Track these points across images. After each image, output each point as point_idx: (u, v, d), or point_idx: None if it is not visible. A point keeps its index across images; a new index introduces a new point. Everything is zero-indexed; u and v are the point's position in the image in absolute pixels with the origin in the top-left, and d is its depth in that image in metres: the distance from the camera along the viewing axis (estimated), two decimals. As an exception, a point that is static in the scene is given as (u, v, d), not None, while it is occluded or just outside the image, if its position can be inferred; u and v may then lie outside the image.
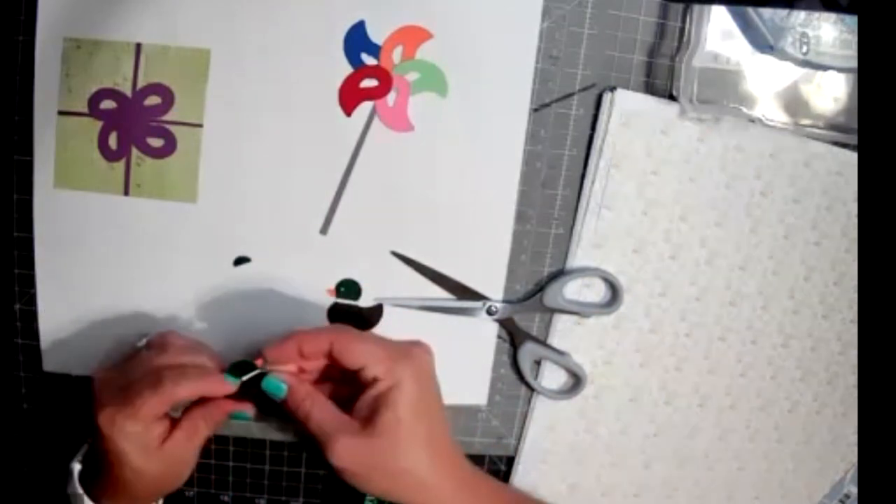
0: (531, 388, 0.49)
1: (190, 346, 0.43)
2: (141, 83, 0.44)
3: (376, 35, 0.44)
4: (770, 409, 0.53)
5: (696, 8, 0.44)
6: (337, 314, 0.47)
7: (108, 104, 0.44)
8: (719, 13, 0.44)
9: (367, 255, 0.46)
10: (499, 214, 0.47)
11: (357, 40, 0.44)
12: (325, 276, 0.46)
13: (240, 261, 0.46)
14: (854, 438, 0.55)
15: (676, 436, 0.52)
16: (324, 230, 0.46)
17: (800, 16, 0.45)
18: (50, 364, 0.47)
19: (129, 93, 0.44)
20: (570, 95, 0.46)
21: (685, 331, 0.50)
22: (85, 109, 0.44)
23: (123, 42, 0.44)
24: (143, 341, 0.43)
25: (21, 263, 0.46)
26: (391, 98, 0.45)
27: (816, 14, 0.45)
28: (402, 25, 0.44)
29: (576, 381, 0.49)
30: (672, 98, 0.46)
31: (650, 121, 0.46)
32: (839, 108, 0.47)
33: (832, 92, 0.46)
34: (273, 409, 0.48)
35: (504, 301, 0.48)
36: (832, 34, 0.46)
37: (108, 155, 0.44)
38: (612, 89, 0.45)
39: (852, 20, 0.45)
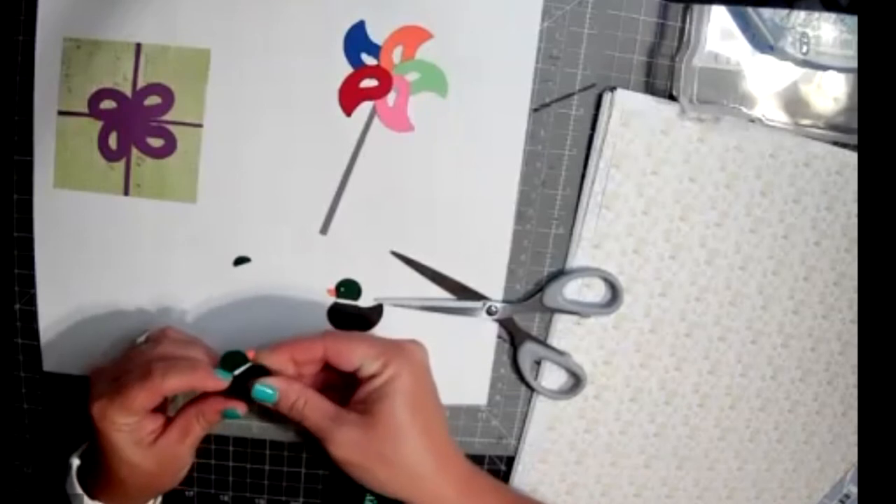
0: (531, 388, 0.49)
1: (185, 340, 0.43)
2: (141, 83, 0.44)
3: (376, 35, 0.44)
4: (770, 409, 0.53)
5: (696, 8, 0.44)
6: (337, 314, 0.47)
7: (108, 104, 0.44)
8: (719, 13, 0.44)
9: (367, 255, 0.46)
10: (499, 214, 0.47)
11: (357, 40, 0.44)
12: (325, 276, 0.46)
13: (240, 261, 0.46)
14: (854, 438, 0.55)
15: (676, 436, 0.52)
16: (324, 230, 0.46)
17: (800, 16, 0.45)
18: (50, 364, 0.47)
19: (129, 93, 0.44)
20: (570, 95, 0.46)
21: (685, 331, 0.50)
22: (85, 109, 0.44)
23: (123, 42, 0.44)
24: (143, 336, 0.43)
25: (21, 263, 0.46)
26: (391, 98, 0.45)
27: (816, 14, 0.45)
28: (402, 25, 0.44)
29: (576, 381, 0.49)
30: (672, 98, 0.46)
31: (650, 121, 0.46)
32: (839, 108, 0.47)
33: (832, 92, 0.46)
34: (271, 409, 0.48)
35: (504, 301, 0.48)
36: (832, 34, 0.46)
37: (108, 155, 0.44)
38: (612, 89, 0.45)
39: (852, 20, 0.45)
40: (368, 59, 0.44)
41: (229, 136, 0.45)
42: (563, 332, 0.48)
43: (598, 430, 0.51)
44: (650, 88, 0.46)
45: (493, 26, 0.44)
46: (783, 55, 0.45)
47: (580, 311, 0.48)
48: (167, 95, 0.44)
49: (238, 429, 0.49)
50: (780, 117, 0.46)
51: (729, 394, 0.52)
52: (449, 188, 0.46)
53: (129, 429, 0.39)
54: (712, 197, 0.48)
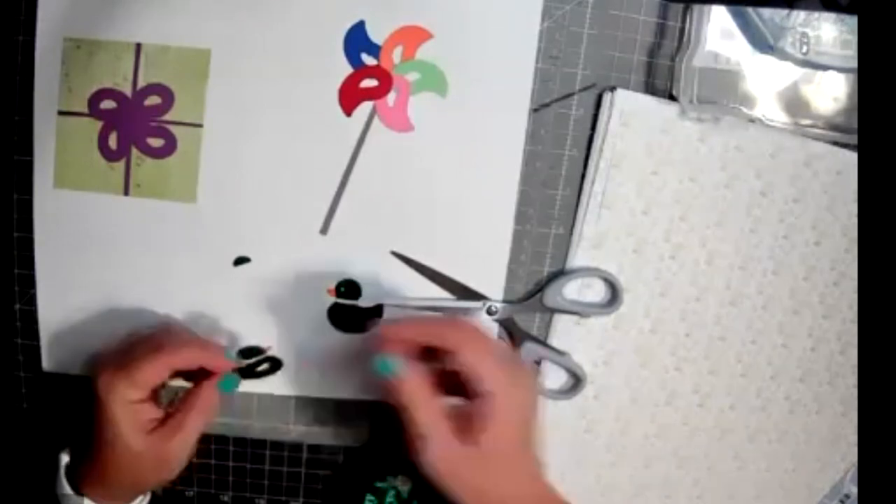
0: (531, 388, 0.49)
1: (193, 334, 0.44)
2: (141, 83, 0.44)
3: (376, 35, 0.44)
4: (770, 409, 0.53)
5: (696, 8, 0.44)
6: (337, 314, 0.47)
7: (108, 104, 0.44)
8: (719, 13, 0.44)
9: (367, 255, 0.46)
10: (499, 214, 0.47)
11: (357, 40, 0.44)
12: (325, 276, 0.46)
13: (240, 261, 0.46)
14: (854, 438, 0.55)
15: (676, 436, 0.52)
16: (324, 230, 0.46)
17: (800, 16, 0.45)
18: (50, 364, 0.47)
19: (129, 93, 0.44)
20: (570, 95, 0.46)
21: (685, 331, 0.50)
22: (85, 109, 0.44)
23: (123, 42, 0.44)
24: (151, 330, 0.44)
25: (21, 263, 0.46)
26: (391, 98, 0.45)
27: (816, 14, 0.45)
28: (402, 25, 0.44)
29: (576, 381, 0.49)
30: (672, 98, 0.46)
31: (650, 121, 0.46)
32: (839, 108, 0.47)
33: (832, 92, 0.46)
34: (272, 409, 0.49)
35: (504, 301, 0.48)
36: (832, 34, 0.46)
37: (108, 155, 0.44)
38: (612, 89, 0.45)
39: (852, 20, 0.45)
40: (368, 59, 0.44)
41: (229, 136, 0.45)
42: (563, 332, 0.48)
43: (598, 430, 0.51)
44: (650, 88, 0.46)
45: (493, 26, 0.44)
46: (783, 55, 0.45)
47: (580, 311, 0.48)
48: (167, 95, 0.44)
49: (238, 429, 0.49)
50: (780, 117, 0.46)
51: (729, 394, 0.52)
52: (449, 188, 0.46)
53: (132, 409, 0.39)
54: (712, 197, 0.48)
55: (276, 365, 0.46)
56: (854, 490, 0.56)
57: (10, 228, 0.45)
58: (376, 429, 0.49)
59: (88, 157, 0.44)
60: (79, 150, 0.44)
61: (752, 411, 0.52)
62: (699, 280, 0.49)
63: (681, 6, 0.45)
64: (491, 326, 0.48)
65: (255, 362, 0.43)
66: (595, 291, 0.48)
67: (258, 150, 0.45)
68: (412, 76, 0.45)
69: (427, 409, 0.38)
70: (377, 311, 0.47)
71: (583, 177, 0.47)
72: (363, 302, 0.47)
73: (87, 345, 0.47)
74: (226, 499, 0.50)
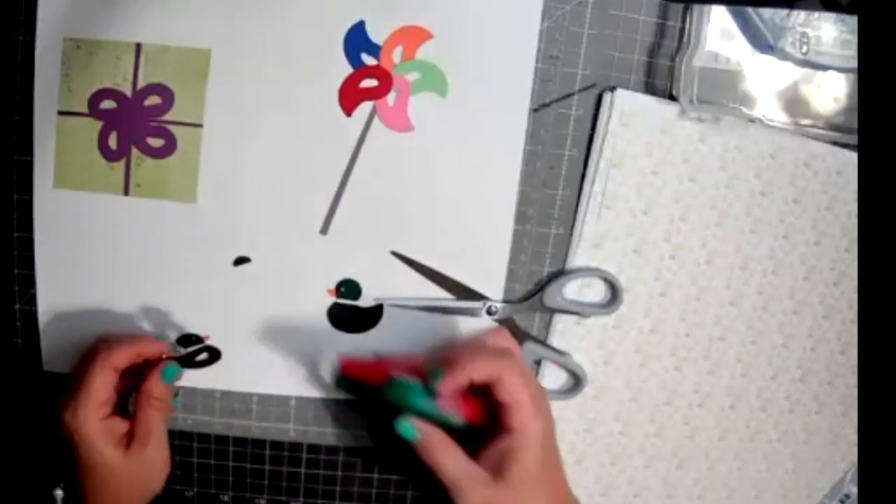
0: (531, 388, 0.49)
1: (126, 335, 0.44)
2: (141, 83, 0.44)
3: (376, 35, 0.44)
4: (770, 409, 0.53)
5: (696, 8, 0.44)
6: (337, 314, 0.47)
7: (108, 104, 0.44)
8: (719, 13, 0.44)
9: (367, 255, 0.46)
10: (499, 214, 0.47)
11: (357, 40, 0.44)
12: (325, 276, 0.46)
13: (240, 261, 0.46)
14: (854, 438, 0.55)
15: (676, 436, 0.52)
16: (324, 230, 0.46)
17: (800, 16, 0.45)
18: (50, 364, 0.47)
19: (129, 93, 0.44)
20: (570, 95, 0.46)
21: (685, 331, 0.50)
22: (85, 109, 0.44)
23: (123, 42, 0.44)
24: None
25: (21, 263, 0.46)
26: (391, 98, 0.45)
27: (816, 14, 0.45)
28: (402, 25, 0.44)
29: (576, 381, 0.49)
30: (672, 98, 0.46)
31: (650, 121, 0.46)
32: (839, 108, 0.47)
33: (832, 92, 0.46)
34: (272, 409, 0.49)
35: (504, 301, 0.48)
36: (832, 34, 0.46)
37: (108, 155, 0.44)
38: (612, 89, 0.45)
39: (852, 20, 0.45)
40: (368, 59, 0.44)
41: (229, 136, 0.45)
42: (563, 332, 0.48)
43: (598, 430, 0.51)
44: (650, 88, 0.46)
45: (493, 26, 0.44)
46: (783, 55, 0.45)
47: (580, 311, 0.48)
48: (167, 95, 0.44)
49: (238, 429, 0.49)
50: (780, 117, 0.46)
51: (729, 394, 0.52)
52: (449, 188, 0.46)
53: (103, 429, 0.40)
54: (712, 197, 0.48)
55: (214, 355, 0.46)
56: (854, 490, 0.56)
57: (10, 228, 0.45)
58: (376, 430, 0.49)
59: (88, 157, 0.44)
60: (79, 150, 0.44)
61: (752, 411, 0.52)
62: (699, 280, 0.49)
63: (681, 6, 0.45)
64: (491, 326, 0.48)
65: (194, 351, 0.44)
66: (595, 291, 0.48)
67: (258, 150, 0.45)
68: (412, 76, 0.45)
69: (453, 462, 0.39)
70: (377, 311, 0.47)
71: (583, 177, 0.47)
72: (363, 302, 0.47)
73: (87, 345, 0.46)
74: (226, 499, 0.50)
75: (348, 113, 0.45)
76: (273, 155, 0.45)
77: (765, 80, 0.46)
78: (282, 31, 0.44)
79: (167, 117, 0.44)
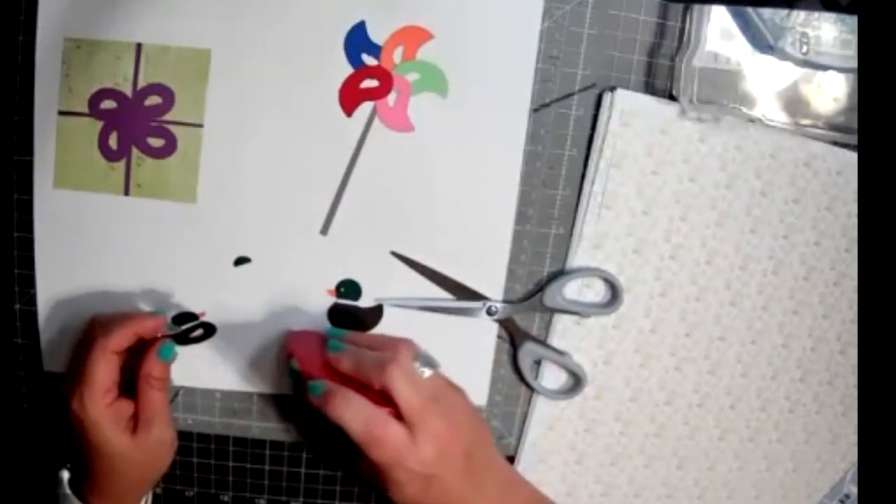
0: (531, 388, 0.49)
1: (119, 315, 0.44)
2: (141, 83, 0.44)
3: (377, 35, 0.44)
4: (770, 409, 0.53)
5: (696, 8, 0.44)
6: (337, 314, 0.47)
7: (108, 104, 0.44)
8: (719, 13, 0.44)
9: (367, 255, 0.46)
10: (499, 214, 0.47)
11: (358, 41, 0.44)
12: (325, 276, 0.46)
13: (240, 261, 0.46)
14: (854, 438, 0.55)
15: (676, 436, 0.52)
16: (324, 230, 0.46)
17: (800, 16, 0.45)
18: (50, 364, 0.47)
19: (129, 93, 0.44)
20: (570, 95, 0.46)
21: (685, 331, 0.50)
22: (85, 109, 0.44)
23: (123, 42, 0.44)
24: None
25: (21, 263, 0.46)
26: (392, 98, 0.45)
27: (816, 14, 0.45)
28: (402, 26, 0.44)
29: (576, 381, 0.49)
30: (672, 98, 0.46)
31: (650, 121, 0.46)
32: (839, 108, 0.47)
33: (832, 92, 0.46)
34: (272, 409, 0.49)
35: (504, 301, 0.48)
36: (832, 34, 0.46)
37: (109, 155, 0.44)
38: (612, 89, 0.45)
39: (852, 20, 0.45)
40: (369, 60, 0.44)
41: (229, 136, 0.45)
42: (563, 332, 0.48)
43: (598, 430, 0.51)
44: (650, 88, 0.46)
45: (494, 26, 0.44)
46: (783, 55, 0.45)
47: (580, 311, 0.48)
48: (167, 95, 0.44)
49: (238, 429, 0.49)
50: (780, 117, 0.46)
51: (729, 394, 0.52)
52: (449, 188, 0.46)
53: (109, 414, 0.40)
54: (712, 197, 0.48)
55: (209, 330, 0.46)
56: (854, 490, 0.56)
57: (10, 228, 0.45)
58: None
59: (88, 157, 0.44)
60: (79, 150, 0.44)
61: (752, 411, 0.52)
62: (699, 280, 0.49)
63: (681, 6, 0.45)
64: (491, 326, 0.48)
65: (189, 328, 0.44)
66: (595, 291, 0.48)
67: (258, 150, 0.45)
68: (412, 76, 0.45)
69: (359, 411, 0.39)
70: (377, 311, 0.47)
71: (583, 177, 0.47)
72: (363, 302, 0.47)
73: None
74: (226, 499, 0.50)
75: (349, 113, 0.45)
76: (273, 155, 0.45)
77: (765, 80, 0.46)
78: (282, 31, 0.44)
79: (167, 117, 0.44)
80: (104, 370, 0.40)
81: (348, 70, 0.44)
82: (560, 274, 0.48)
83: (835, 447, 0.55)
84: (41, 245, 0.46)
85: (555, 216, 0.47)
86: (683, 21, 0.45)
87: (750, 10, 0.44)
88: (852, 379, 0.53)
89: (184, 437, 0.48)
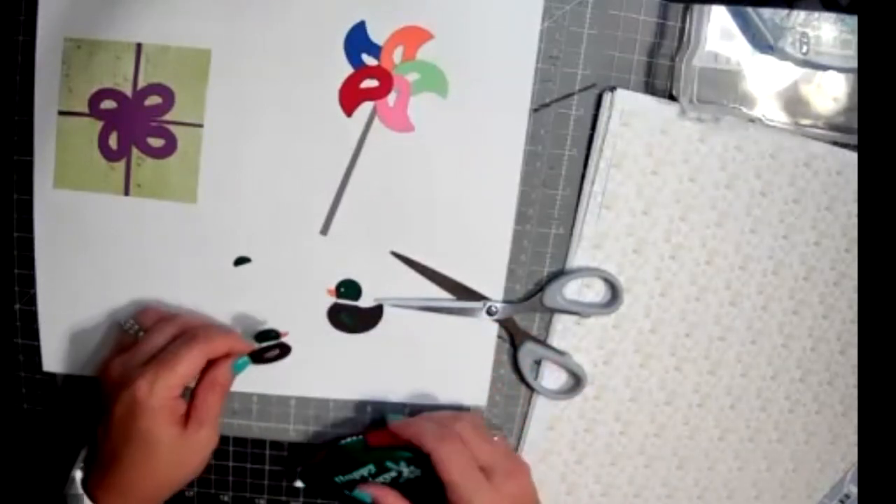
0: (531, 388, 0.49)
1: (191, 317, 0.45)
2: (141, 83, 0.44)
3: (377, 35, 0.44)
4: (770, 409, 0.53)
5: (696, 8, 0.44)
6: (337, 314, 0.47)
7: (108, 104, 0.44)
8: (719, 13, 0.44)
9: (367, 255, 0.46)
10: (499, 214, 0.47)
11: (358, 41, 0.44)
12: (325, 276, 0.47)
13: (240, 261, 0.46)
14: (854, 438, 0.55)
15: (676, 436, 0.52)
16: (324, 230, 0.46)
17: (800, 16, 0.45)
18: (50, 364, 0.47)
19: (129, 93, 0.44)
20: (570, 95, 0.46)
21: (685, 331, 0.50)
22: (85, 109, 0.44)
23: (123, 42, 0.44)
24: (131, 322, 0.44)
25: (21, 263, 0.46)
26: (392, 98, 0.45)
27: (816, 14, 0.45)
28: (402, 26, 0.44)
29: (576, 381, 0.49)
30: (672, 98, 0.46)
31: (650, 121, 0.46)
32: (839, 108, 0.47)
33: (832, 92, 0.46)
34: (272, 409, 0.49)
35: (504, 301, 0.48)
36: (832, 34, 0.46)
37: (109, 155, 0.44)
38: (612, 89, 0.45)
39: (852, 20, 0.45)
40: (369, 60, 0.44)
41: (229, 136, 0.45)
42: (563, 332, 0.48)
43: (598, 430, 0.51)
44: (650, 88, 0.46)
45: (494, 26, 0.44)
46: (783, 55, 0.45)
47: (580, 311, 0.48)
48: (167, 95, 0.44)
49: (238, 429, 0.49)
50: (780, 117, 0.46)
51: (729, 394, 0.52)
52: (449, 188, 0.46)
53: (171, 407, 0.40)
54: (712, 197, 0.48)
55: (284, 351, 0.46)
56: (854, 490, 0.56)
57: (10, 228, 0.45)
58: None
59: (89, 157, 0.44)
60: (79, 150, 0.44)
61: (752, 411, 0.52)
62: (699, 280, 0.49)
63: (681, 6, 0.45)
64: (491, 326, 0.48)
65: (266, 347, 0.45)
66: (595, 291, 0.48)
67: (258, 150, 0.45)
68: (412, 76, 0.45)
69: None
70: (377, 311, 0.47)
71: (583, 177, 0.47)
72: (363, 302, 0.47)
73: (87, 345, 0.47)
74: (226, 499, 0.50)
75: (349, 113, 0.45)
76: (273, 155, 0.45)
77: (765, 80, 0.46)
78: (282, 32, 0.44)
79: (167, 117, 0.44)
80: (190, 367, 0.41)
81: (348, 70, 0.44)
82: (560, 274, 0.48)
83: (835, 447, 0.55)
84: (41, 245, 0.46)
85: (555, 216, 0.47)
86: (683, 21, 0.45)
87: (750, 10, 0.44)
88: (852, 379, 0.53)
89: (184, 437, 0.48)
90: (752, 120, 0.46)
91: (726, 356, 0.51)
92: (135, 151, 0.44)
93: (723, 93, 0.45)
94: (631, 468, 0.52)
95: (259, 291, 0.46)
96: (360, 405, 0.49)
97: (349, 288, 0.47)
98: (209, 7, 0.43)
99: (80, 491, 0.40)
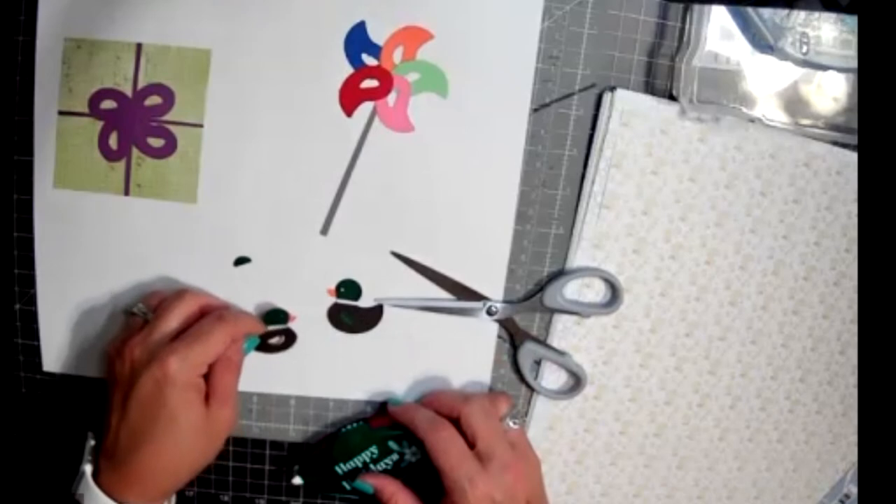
0: (531, 388, 0.49)
1: (200, 294, 0.45)
2: (141, 83, 0.44)
3: (377, 35, 0.44)
4: (770, 409, 0.53)
5: (696, 8, 0.44)
6: (337, 314, 0.47)
7: (108, 104, 0.44)
8: (719, 13, 0.44)
9: (367, 255, 0.46)
10: (499, 214, 0.47)
11: (358, 41, 0.44)
12: (325, 276, 0.47)
13: (240, 261, 0.46)
14: (854, 438, 0.55)
15: (676, 436, 0.52)
16: (324, 230, 0.46)
17: (800, 16, 0.45)
18: (50, 364, 0.47)
19: (129, 93, 0.44)
20: (570, 95, 0.46)
21: (685, 331, 0.50)
22: (85, 109, 0.44)
23: (123, 42, 0.44)
24: (140, 306, 0.44)
25: (21, 263, 0.46)
26: (392, 98, 0.45)
27: (816, 14, 0.45)
28: (402, 26, 0.44)
29: (576, 381, 0.49)
30: (672, 98, 0.46)
31: (650, 121, 0.46)
32: (839, 108, 0.47)
33: (832, 92, 0.46)
34: (272, 409, 0.49)
35: (504, 301, 0.48)
36: (832, 34, 0.46)
37: (109, 155, 0.45)
38: (612, 89, 0.45)
39: (852, 20, 0.45)
40: (369, 60, 0.44)
41: (229, 136, 0.45)
42: (563, 332, 0.48)
43: (598, 430, 0.51)
44: (650, 88, 0.46)
45: (494, 26, 0.44)
46: (783, 55, 0.45)
47: (580, 311, 0.48)
48: (168, 95, 0.44)
49: (238, 429, 0.49)
50: (780, 117, 0.46)
51: (729, 394, 0.52)
52: (449, 188, 0.46)
53: (196, 385, 0.41)
54: (712, 197, 0.48)
55: (290, 339, 0.47)
56: (854, 490, 0.56)
57: (10, 228, 0.45)
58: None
59: (89, 157, 0.44)
60: (79, 150, 0.44)
61: (752, 411, 0.52)
62: (699, 280, 0.49)
63: (681, 6, 0.45)
64: (491, 326, 0.48)
65: (272, 332, 0.46)
66: (595, 291, 0.48)
67: (258, 150, 0.45)
68: (412, 76, 0.45)
69: None
70: (377, 311, 0.47)
71: (583, 177, 0.47)
72: (363, 302, 0.47)
73: (87, 345, 0.47)
74: (226, 499, 0.50)
75: (349, 113, 0.45)
76: (273, 155, 0.45)
77: (765, 80, 0.46)
78: (282, 32, 0.44)
79: (167, 117, 0.44)
80: (218, 345, 0.41)
81: (348, 70, 0.44)
82: (560, 274, 0.48)
83: (835, 447, 0.55)
84: (41, 245, 0.46)
85: (555, 216, 0.47)
86: (683, 21, 0.45)
87: (750, 10, 0.44)
88: (852, 379, 0.53)
89: (184, 437, 0.48)
90: (752, 120, 0.46)
91: (726, 356, 0.51)
92: (135, 151, 0.44)
93: (723, 93, 0.45)
94: (631, 468, 0.52)
95: (259, 291, 0.46)
96: (360, 405, 0.49)
97: (349, 288, 0.47)
98: (209, 7, 0.43)
99: (93, 484, 0.40)
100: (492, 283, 0.47)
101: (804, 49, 0.45)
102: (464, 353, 0.48)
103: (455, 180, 0.46)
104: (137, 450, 0.40)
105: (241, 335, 0.43)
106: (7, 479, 0.49)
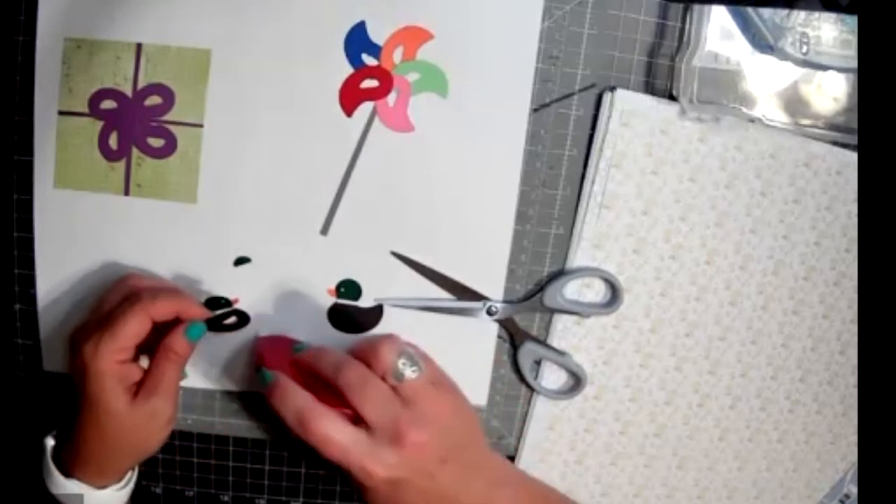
0: (531, 388, 0.49)
1: (156, 279, 0.45)
2: (141, 83, 0.44)
3: (377, 35, 0.44)
4: (770, 409, 0.53)
5: (696, 8, 0.44)
6: (337, 314, 0.47)
7: (108, 104, 0.44)
8: (719, 13, 0.44)
9: (367, 255, 0.46)
10: (499, 214, 0.47)
11: (358, 41, 0.44)
12: (325, 276, 0.47)
13: (240, 261, 0.46)
14: (854, 438, 0.55)
15: (676, 436, 0.52)
16: (324, 230, 0.46)
17: (800, 16, 0.45)
18: (50, 364, 0.47)
19: (129, 93, 0.44)
20: (570, 95, 0.46)
21: (685, 331, 0.50)
22: (85, 109, 0.44)
23: (123, 42, 0.44)
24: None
25: (21, 263, 0.46)
26: (392, 98, 0.45)
27: (816, 14, 0.45)
28: (402, 26, 0.44)
29: (576, 381, 0.49)
30: (672, 98, 0.46)
31: (650, 121, 0.46)
32: (839, 108, 0.47)
33: (832, 92, 0.46)
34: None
35: (504, 301, 0.48)
36: (832, 34, 0.46)
37: (109, 155, 0.45)
38: (612, 89, 0.45)
39: (852, 20, 0.45)
40: (369, 60, 0.44)
41: (229, 136, 0.45)
42: (563, 332, 0.48)
43: (598, 430, 0.51)
44: (650, 88, 0.46)
45: (494, 26, 0.44)
46: (783, 55, 0.45)
47: (580, 311, 0.48)
48: (167, 95, 0.44)
49: (238, 429, 0.49)
50: (780, 117, 0.46)
51: (729, 394, 0.52)
52: (449, 188, 0.46)
53: (118, 371, 0.39)
54: (712, 197, 0.48)
55: (243, 319, 0.46)
56: (854, 490, 0.56)
57: (10, 228, 0.45)
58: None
59: (89, 157, 0.44)
60: (79, 150, 0.44)
61: (752, 411, 0.52)
62: (699, 280, 0.49)
63: (681, 6, 0.45)
64: (491, 326, 0.48)
65: (223, 314, 0.45)
66: (595, 291, 0.48)
67: (258, 150, 0.45)
68: (413, 76, 0.45)
69: (340, 431, 0.39)
70: (377, 311, 0.47)
71: (583, 177, 0.47)
72: (363, 302, 0.47)
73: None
74: (226, 499, 0.50)
75: (349, 113, 0.45)
76: (273, 155, 0.45)
77: (765, 80, 0.46)
78: (282, 32, 0.44)
79: (167, 117, 0.44)
80: (134, 328, 0.39)
81: (348, 70, 0.44)
82: (560, 274, 0.48)
83: (835, 447, 0.55)
84: (41, 245, 0.46)
85: (555, 216, 0.47)
86: (683, 21, 0.45)
87: (750, 10, 0.44)
88: (852, 379, 0.53)
89: (184, 437, 0.48)
90: (752, 120, 0.46)
91: (726, 356, 0.51)
92: (135, 151, 0.44)
93: (723, 93, 0.45)
94: (631, 468, 0.52)
95: (259, 291, 0.46)
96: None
97: (349, 288, 0.47)
98: (209, 7, 0.43)
99: (49, 459, 0.41)
100: (492, 283, 0.47)
101: (804, 49, 0.45)
102: (464, 353, 0.48)
103: (455, 180, 0.46)
104: (78, 432, 0.40)
105: (162, 317, 0.40)
106: (7, 479, 0.49)
